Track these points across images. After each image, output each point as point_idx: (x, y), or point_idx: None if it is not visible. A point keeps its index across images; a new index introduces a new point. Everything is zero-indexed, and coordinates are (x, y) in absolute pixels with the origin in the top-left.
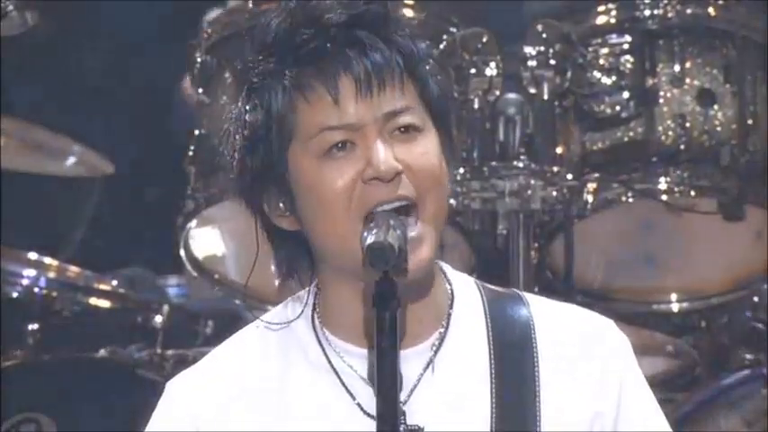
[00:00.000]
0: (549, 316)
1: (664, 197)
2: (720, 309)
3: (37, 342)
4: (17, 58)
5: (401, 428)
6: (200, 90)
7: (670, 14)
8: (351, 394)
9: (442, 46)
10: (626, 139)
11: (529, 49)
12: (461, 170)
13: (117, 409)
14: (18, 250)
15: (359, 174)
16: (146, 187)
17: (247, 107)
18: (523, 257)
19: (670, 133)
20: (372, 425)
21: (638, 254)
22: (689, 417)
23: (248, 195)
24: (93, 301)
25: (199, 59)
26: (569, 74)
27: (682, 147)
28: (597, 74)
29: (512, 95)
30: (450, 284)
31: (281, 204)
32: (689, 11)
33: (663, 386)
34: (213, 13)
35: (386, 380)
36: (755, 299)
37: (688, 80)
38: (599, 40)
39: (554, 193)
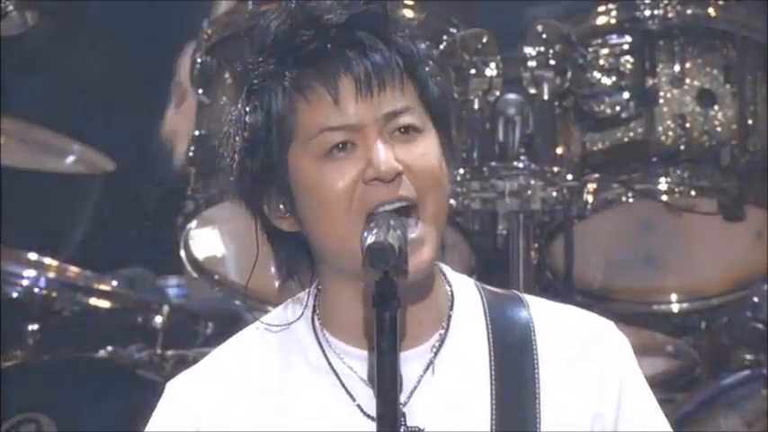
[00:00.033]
0: (548, 317)
1: (664, 197)
2: (720, 309)
3: (37, 342)
4: (17, 59)
5: (401, 430)
6: (200, 90)
7: (670, 15)
8: (351, 396)
9: (442, 46)
10: (626, 139)
11: (529, 50)
12: (461, 170)
13: (117, 409)
14: (18, 250)
15: (359, 174)
16: (146, 187)
17: (247, 109)
18: (523, 258)
19: (670, 133)
20: (372, 426)
21: (638, 254)
22: (689, 417)
23: (248, 197)
24: (93, 301)
25: (199, 60)
26: (569, 74)
27: (682, 147)
28: (597, 74)
29: (512, 96)
30: (450, 286)
31: (281, 206)
32: (689, 11)
33: (663, 386)
34: (223, 6)
35: (386, 381)
36: (755, 299)
37: (688, 80)
38: (599, 41)
39: (554, 194)
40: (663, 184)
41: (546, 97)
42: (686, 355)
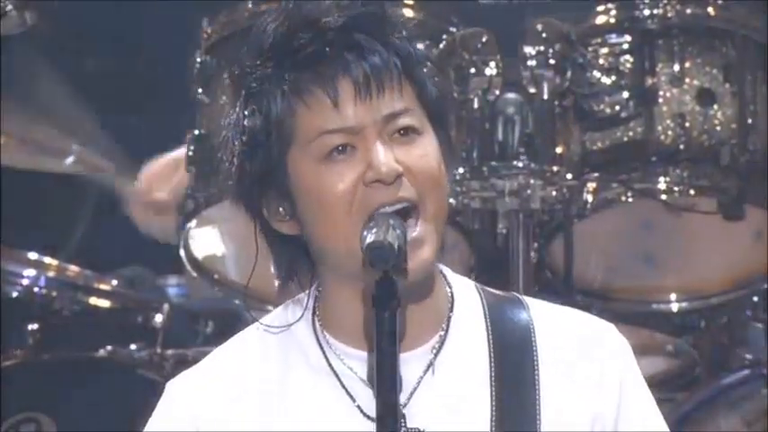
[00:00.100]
0: (548, 319)
1: (663, 197)
2: (720, 308)
3: (37, 342)
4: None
5: (401, 431)
6: (200, 90)
7: (670, 14)
8: (351, 396)
9: (441, 46)
10: (626, 138)
11: (528, 49)
12: (461, 170)
13: (117, 409)
14: (18, 250)
15: (359, 177)
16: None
17: (246, 112)
18: (523, 257)
19: (670, 133)
20: (372, 427)
21: (638, 253)
22: (689, 417)
23: (248, 200)
24: (93, 300)
25: (199, 60)
26: (569, 73)
27: (681, 146)
28: (597, 73)
29: (511, 95)
30: (450, 287)
31: (280, 209)
32: (689, 11)
33: (662, 386)
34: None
35: (385, 381)
36: (755, 299)
37: (688, 80)
38: (599, 40)
39: (554, 193)
40: (662, 184)
41: (545, 96)
42: (686, 354)
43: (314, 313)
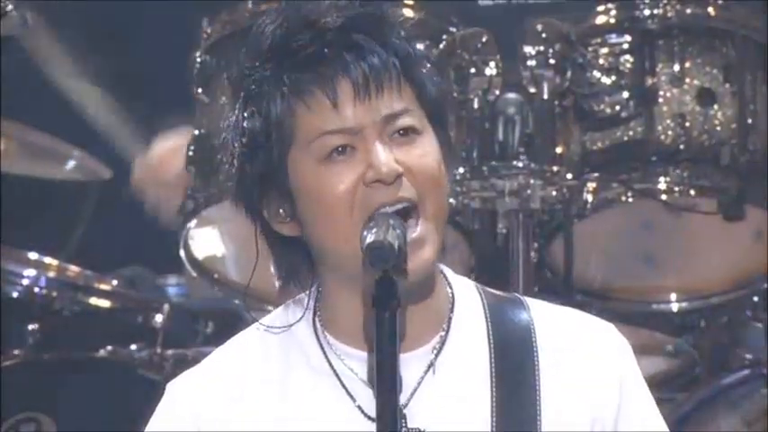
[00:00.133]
0: (549, 319)
1: (663, 197)
2: (720, 308)
3: (37, 342)
4: (17, 58)
5: (402, 431)
6: (200, 90)
7: (670, 14)
8: (351, 397)
9: (441, 46)
10: (626, 138)
11: (528, 49)
12: (461, 170)
13: (117, 408)
14: (18, 250)
15: (360, 177)
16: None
17: (245, 114)
18: (523, 257)
19: (670, 133)
20: (373, 427)
21: (638, 253)
22: (689, 416)
23: (248, 202)
24: (94, 300)
25: (199, 59)
26: (569, 73)
27: (681, 146)
28: (597, 73)
29: (511, 95)
30: (450, 288)
31: (281, 210)
32: (688, 10)
33: (663, 386)
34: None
35: (385, 380)
36: (755, 299)
37: (688, 80)
38: (599, 40)
39: (554, 193)
40: (662, 184)
41: (546, 96)
42: (686, 354)
43: (314, 314)
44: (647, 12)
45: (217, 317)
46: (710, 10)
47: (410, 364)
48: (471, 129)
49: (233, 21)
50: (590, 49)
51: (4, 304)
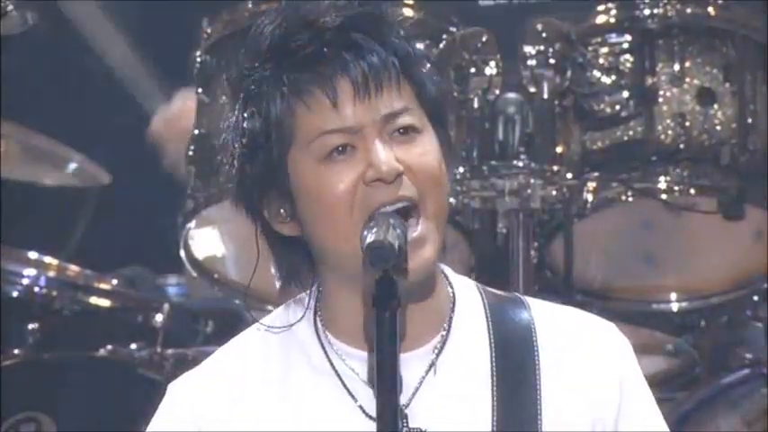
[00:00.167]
0: (549, 319)
1: (663, 196)
2: (720, 308)
3: (37, 341)
4: (17, 58)
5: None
6: (200, 90)
7: (670, 14)
8: (353, 396)
9: (441, 46)
10: (626, 138)
11: (528, 49)
12: (461, 169)
13: (117, 408)
14: (18, 250)
15: (360, 176)
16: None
17: (245, 114)
18: (523, 257)
19: (670, 132)
20: (374, 427)
21: (638, 253)
22: (689, 416)
23: (248, 202)
24: (94, 300)
25: (199, 59)
26: (569, 73)
27: (681, 146)
28: (597, 73)
29: (511, 95)
30: (451, 287)
31: (281, 210)
32: (689, 10)
33: (663, 385)
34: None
35: (386, 380)
36: (755, 298)
37: (688, 79)
38: (599, 40)
39: (554, 193)
40: (662, 183)
41: (546, 96)
42: (686, 354)
43: (315, 313)
44: (647, 11)
45: (217, 317)
46: (710, 10)
47: (411, 363)
48: (471, 128)
49: (233, 21)
50: (590, 48)
51: (4, 304)
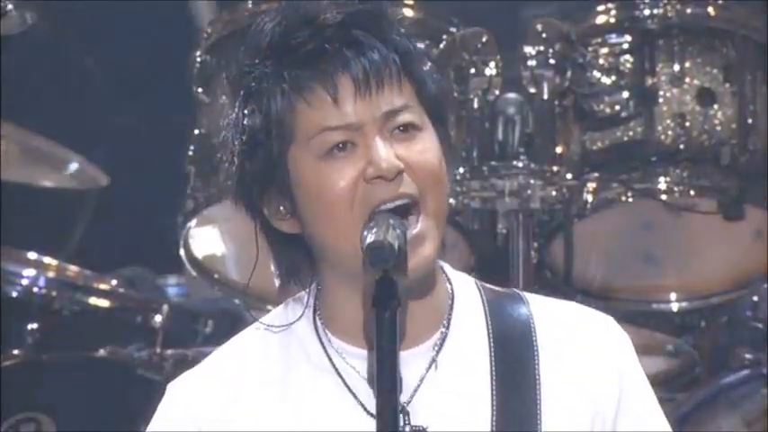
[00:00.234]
0: (548, 314)
1: (663, 197)
2: (720, 308)
3: (36, 342)
4: (17, 58)
5: (407, 429)
6: (200, 90)
7: (670, 14)
8: (353, 394)
9: (441, 46)
10: (626, 138)
11: (528, 49)
12: (461, 170)
13: (117, 408)
14: (18, 250)
15: (360, 174)
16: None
17: (245, 112)
18: (523, 257)
19: (670, 133)
20: (375, 424)
21: (638, 253)
22: (689, 416)
23: (248, 199)
24: (93, 300)
25: (199, 59)
26: (569, 73)
27: (681, 146)
28: (597, 73)
29: (511, 95)
30: (450, 284)
31: (281, 207)
32: (689, 10)
33: (663, 385)
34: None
35: (386, 379)
36: (755, 299)
37: (688, 80)
38: (599, 40)
39: (554, 193)
40: (662, 184)
41: (546, 96)
42: (686, 354)
43: (314, 311)
44: (647, 12)
45: (217, 317)
46: (710, 10)
47: (411, 361)
48: (471, 128)
49: (233, 21)
50: (590, 48)
51: (4, 304)
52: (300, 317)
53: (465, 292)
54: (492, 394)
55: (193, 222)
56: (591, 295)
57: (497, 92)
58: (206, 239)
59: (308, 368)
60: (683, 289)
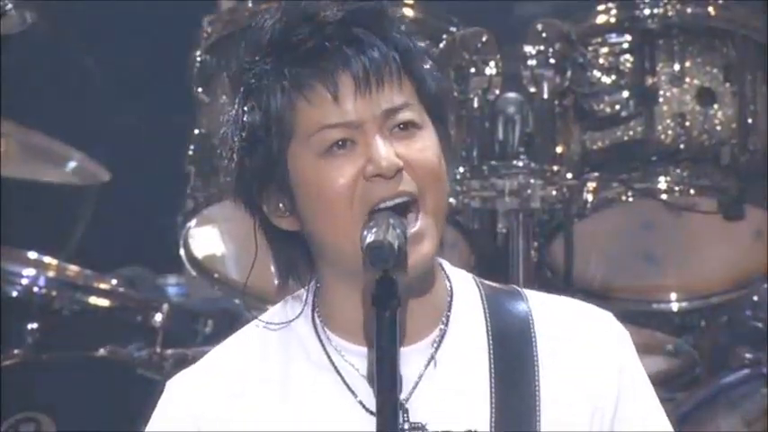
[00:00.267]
0: (547, 310)
1: (664, 196)
2: (720, 308)
3: (36, 341)
4: (17, 58)
5: (405, 426)
6: (200, 90)
7: (670, 14)
8: (352, 392)
9: (441, 46)
10: (626, 138)
11: (529, 49)
12: (461, 169)
13: (116, 408)
14: (18, 250)
15: (360, 171)
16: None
17: (245, 108)
18: (523, 256)
19: (670, 132)
20: (374, 422)
21: (638, 253)
22: (689, 416)
23: (247, 196)
24: (93, 300)
25: (199, 59)
26: (569, 73)
27: (681, 146)
28: (597, 73)
29: (511, 95)
30: (449, 281)
31: (280, 204)
32: (689, 10)
33: (663, 385)
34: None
35: (386, 378)
36: (755, 298)
37: (688, 79)
38: (599, 40)
39: (554, 193)
40: (663, 183)
41: (546, 96)
42: (686, 354)
43: (313, 309)
44: (647, 11)
45: (217, 317)
46: (710, 10)
47: (410, 358)
48: (471, 128)
49: (233, 21)
50: (590, 48)
51: (4, 304)
52: (299, 314)
53: (464, 289)
54: (491, 391)
55: (193, 222)
56: (591, 295)
57: (497, 91)
58: (206, 239)
59: (307, 366)
60: (683, 289)
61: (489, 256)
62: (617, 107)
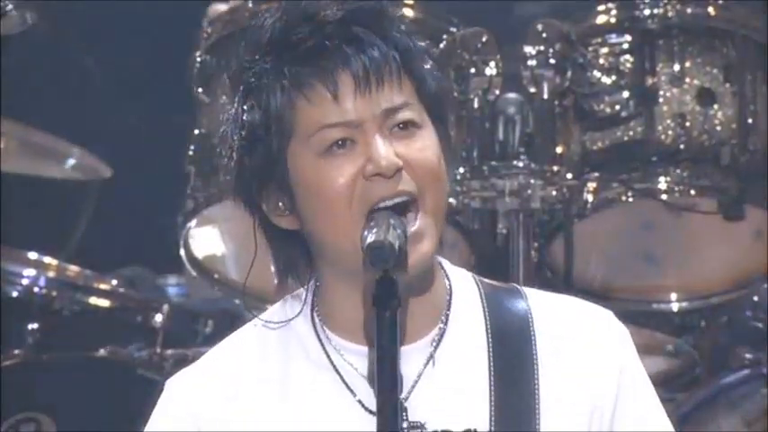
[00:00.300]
0: (547, 308)
1: (664, 196)
2: (720, 308)
3: (36, 341)
4: (17, 59)
5: (404, 425)
6: (200, 90)
7: (670, 14)
8: (351, 391)
9: (441, 46)
10: (626, 138)
11: (529, 49)
12: (461, 169)
13: (117, 408)
14: (18, 250)
15: (359, 171)
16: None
17: (245, 107)
18: (523, 257)
19: (670, 133)
20: (374, 421)
21: (638, 253)
22: (689, 416)
23: (247, 195)
24: (93, 300)
25: (199, 59)
26: (569, 73)
27: (682, 146)
28: (597, 73)
29: (511, 95)
30: (448, 279)
31: (280, 203)
32: (689, 10)
33: (663, 385)
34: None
35: (386, 378)
36: (755, 298)
37: (688, 79)
38: (599, 40)
39: (554, 193)
40: (663, 184)
41: (546, 96)
42: (686, 354)
43: (313, 308)
44: (647, 12)
45: (217, 317)
46: (710, 10)
47: (410, 356)
48: (471, 128)
49: (233, 21)
50: (590, 48)
51: (4, 304)
52: (299, 313)
53: (463, 287)
54: (490, 390)
55: (193, 222)
56: (591, 295)
57: (497, 92)
58: (206, 239)
59: (307, 365)
60: (683, 289)
61: (489, 256)
62: (617, 107)
